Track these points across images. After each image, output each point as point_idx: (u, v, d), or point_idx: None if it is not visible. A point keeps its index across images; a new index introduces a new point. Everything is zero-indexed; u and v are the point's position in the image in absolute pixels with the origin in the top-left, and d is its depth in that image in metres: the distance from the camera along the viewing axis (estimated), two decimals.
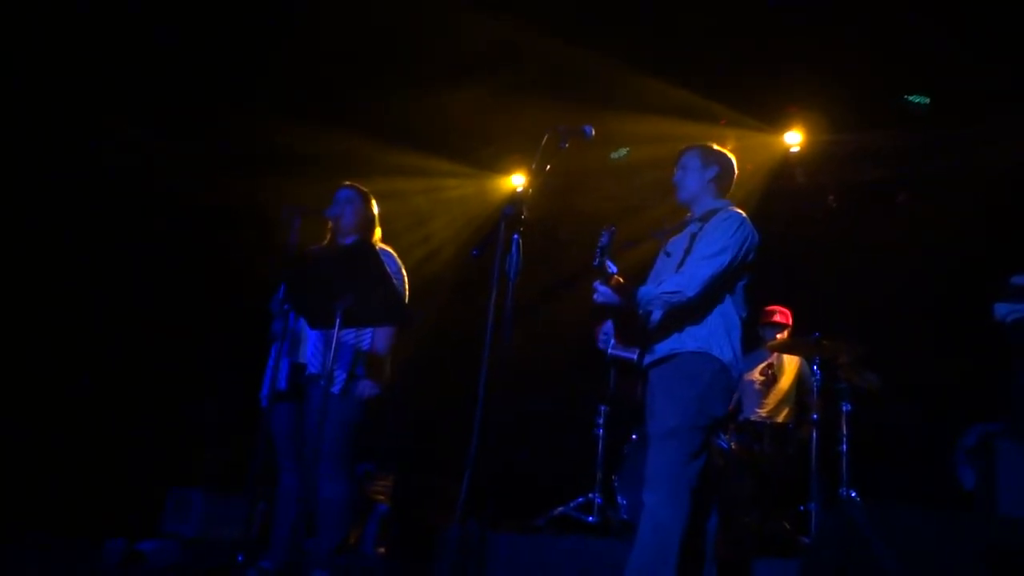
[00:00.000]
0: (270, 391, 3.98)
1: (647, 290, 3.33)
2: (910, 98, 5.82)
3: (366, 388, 3.98)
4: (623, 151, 6.82)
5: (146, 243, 6.81)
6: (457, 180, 7.13)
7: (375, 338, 4.04)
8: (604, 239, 3.35)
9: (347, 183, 4.26)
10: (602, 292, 3.32)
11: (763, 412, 5.51)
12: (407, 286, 4.11)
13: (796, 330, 5.60)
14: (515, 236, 2.99)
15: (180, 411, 6.91)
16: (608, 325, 3.49)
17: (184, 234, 7.00)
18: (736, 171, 3.60)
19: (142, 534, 4.63)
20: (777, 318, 5.64)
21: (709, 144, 3.61)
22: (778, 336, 5.58)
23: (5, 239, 6.03)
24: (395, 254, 4.14)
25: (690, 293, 3.24)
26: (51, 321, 6.28)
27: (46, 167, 6.21)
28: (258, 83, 6.13)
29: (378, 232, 4.24)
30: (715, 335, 3.27)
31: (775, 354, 5.65)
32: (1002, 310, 3.99)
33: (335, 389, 3.88)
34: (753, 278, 3.43)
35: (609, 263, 3.31)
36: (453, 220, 7.31)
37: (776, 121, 6.30)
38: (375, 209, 4.24)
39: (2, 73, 5.67)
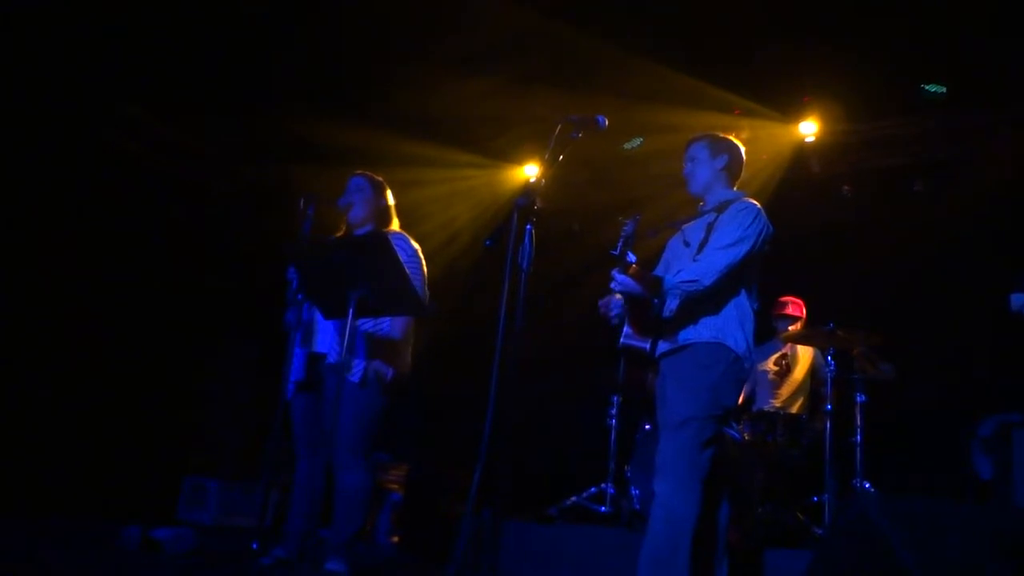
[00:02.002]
0: (292, 383, 4.01)
1: (666, 279, 3.31)
2: (927, 87, 5.76)
3: (382, 371, 3.98)
4: (637, 141, 6.79)
5: (164, 231, 6.85)
6: (470, 170, 7.12)
7: (391, 326, 4.05)
8: (628, 228, 3.31)
9: (359, 172, 4.24)
10: (621, 281, 3.28)
11: (777, 403, 5.50)
12: (424, 269, 4.08)
13: (811, 320, 5.57)
14: (528, 226, 2.98)
15: (196, 400, 6.96)
16: (615, 301, 3.46)
17: (202, 223, 7.04)
18: (744, 157, 3.60)
19: (158, 521, 4.66)
20: (790, 309, 5.62)
21: (715, 133, 3.61)
22: (791, 327, 5.55)
23: (26, 227, 6.08)
24: (410, 238, 4.11)
25: (707, 282, 3.23)
26: (70, 308, 6.33)
27: (62, 153, 6.25)
28: (274, 72, 6.13)
29: (395, 221, 4.23)
30: (729, 326, 3.27)
31: (789, 344, 5.63)
32: (1018, 300, 3.97)
33: (354, 378, 3.89)
34: (765, 271, 3.42)
35: (629, 253, 3.29)
36: (466, 210, 7.31)
37: (791, 111, 6.25)
38: (390, 198, 4.22)
39: (19, 60, 5.70)
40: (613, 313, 3.50)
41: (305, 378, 4.04)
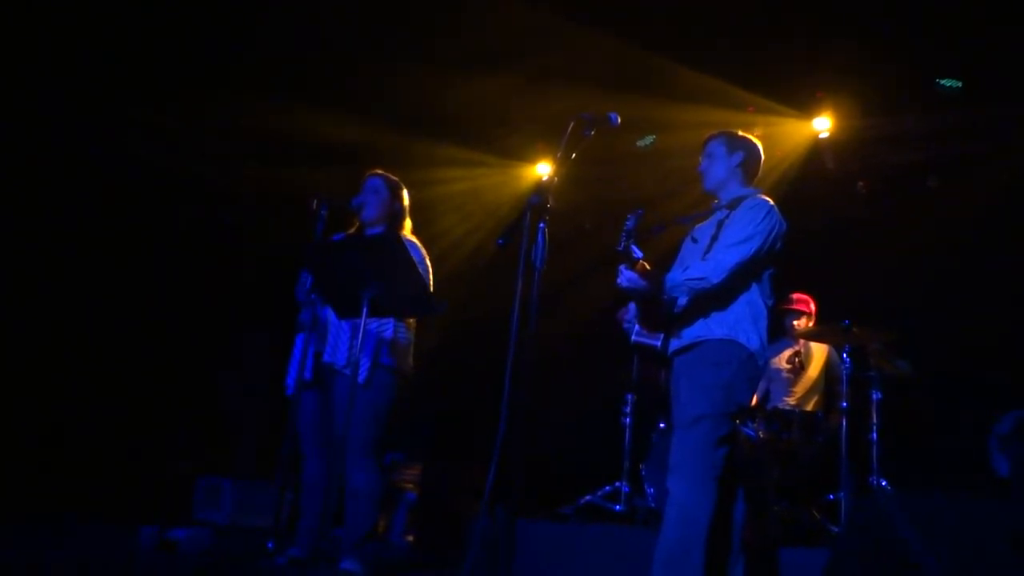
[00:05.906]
0: (296, 380, 4.00)
1: (673, 276, 3.31)
2: (942, 81, 5.72)
3: (387, 372, 4.00)
4: (649, 138, 6.77)
5: (178, 232, 6.88)
6: (482, 169, 7.13)
7: (395, 327, 4.05)
8: (630, 223, 3.31)
9: (376, 171, 4.22)
10: (627, 277, 3.28)
11: (792, 401, 5.47)
12: (431, 277, 4.09)
13: (826, 317, 5.54)
14: (541, 225, 2.98)
15: (210, 400, 6.99)
16: (631, 308, 3.46)
17: (215, 223, 7.06)
18: (762, 156, 3.57)
19: (174, 522, 4.69)
20: (795, 306, 5.58)
21: (734, 130, 3.59)
22: (795, 323, 5.53)
23: (41, 229, 6.12)
24: (419, 244, 4.12)
25: (715, 280, 3.22)
26: (86, 309, 6.37)
27: (73, 154, 6.28)
28: (286, 71, 6.14)
29: (408, 222, 4.22)
30: (742, 323, 3.25)
31: (802, 342, 5.60)
32: None
33: (360, 379, 3.90)
34: (779, 267, 3.40)
35: (634, 248, 3.28)
36: (479, 209, 7.31)
37: (805, 107, 6.22)
38: (405, 199, 4.20)
39: (30, 61, 5.73)
40: (626, 319, 3.49)
41: (313, 378, 4.04)
